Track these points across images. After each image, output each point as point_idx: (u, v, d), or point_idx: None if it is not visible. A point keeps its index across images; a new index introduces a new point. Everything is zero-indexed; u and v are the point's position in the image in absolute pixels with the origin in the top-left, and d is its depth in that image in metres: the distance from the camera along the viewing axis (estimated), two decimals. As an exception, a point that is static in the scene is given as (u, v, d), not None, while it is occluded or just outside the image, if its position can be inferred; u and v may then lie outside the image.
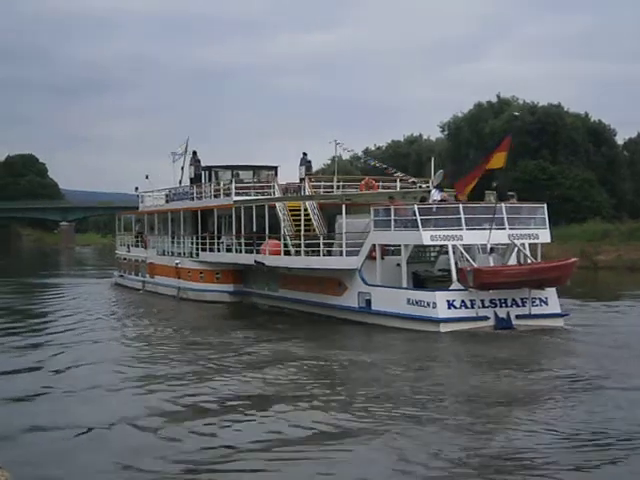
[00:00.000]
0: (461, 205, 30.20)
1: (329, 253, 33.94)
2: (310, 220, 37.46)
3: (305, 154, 43.71)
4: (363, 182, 41.44)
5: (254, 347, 25.94)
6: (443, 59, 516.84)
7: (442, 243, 30.57)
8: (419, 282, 31.39)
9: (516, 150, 69.94)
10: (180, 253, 46.34)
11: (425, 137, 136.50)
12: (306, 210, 37.64)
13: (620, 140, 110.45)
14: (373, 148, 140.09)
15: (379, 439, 14.85)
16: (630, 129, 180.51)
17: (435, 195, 32.24)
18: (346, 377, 21.32)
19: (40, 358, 24.02)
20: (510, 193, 33.54)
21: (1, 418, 16.60)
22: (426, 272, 32.56)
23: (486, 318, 28.64)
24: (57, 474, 13.12)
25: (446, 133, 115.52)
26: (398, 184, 41.88)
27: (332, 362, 23.03)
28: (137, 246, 54.07)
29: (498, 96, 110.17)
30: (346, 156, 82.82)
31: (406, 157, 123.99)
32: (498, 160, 29.88)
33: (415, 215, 29.54)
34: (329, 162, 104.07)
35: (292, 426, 15.79)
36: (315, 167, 50.91)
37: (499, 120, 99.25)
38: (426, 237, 29.54)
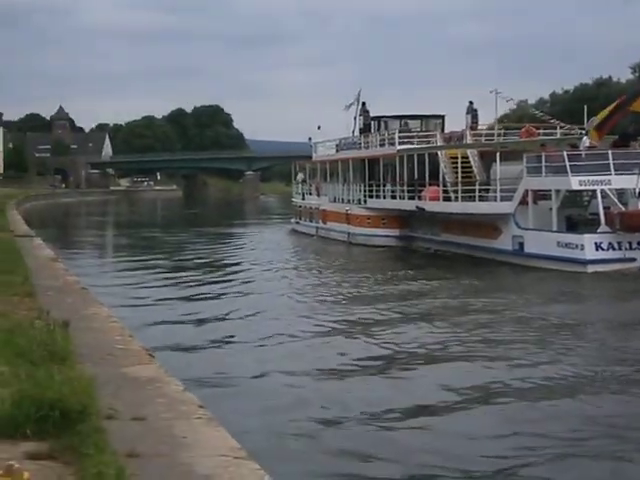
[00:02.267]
0: (610, 151, 31.75)
1: (485, 199, 36.18)
2: (469, 167, 39.38)
3: (471, 102, 45.50)
4: (524, 129, 42.93)
5: (419, 291, 27.87)
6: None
7: (590, 188, 32.25)
8: (572, 225, 33.15)
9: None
10: (350, 200, 49.16)
11: (615, 79, 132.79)
12: (466, 158, 39.60)
13: None
14: (560, 92, 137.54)
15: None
16: None
17: (586, 142, 33.79)
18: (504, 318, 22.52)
19: (222, 305, 26.19)
20: None
21: (194, 365, 16.76)
22: (579, 216, 34.17)
23: (633, 260, 30.14)
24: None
25: (637, 75, 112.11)
26: (558, 131, 43.27)
27: (492, 302, 24.96)
28: (310, 194, 57.41)
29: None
30: (505, 106, 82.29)
31: (593, 100, 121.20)
32: None
33: (565, 161, 31.32)
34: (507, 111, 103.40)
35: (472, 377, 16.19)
36: (491, 115, 51.88)
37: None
38: (575, 182, 31.42)
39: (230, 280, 31.54)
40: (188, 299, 26.60)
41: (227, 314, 23.21)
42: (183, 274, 33.37)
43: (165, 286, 29.78)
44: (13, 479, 5.17)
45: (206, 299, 26.77)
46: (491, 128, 45.75)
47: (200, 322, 22.07)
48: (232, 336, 20.15)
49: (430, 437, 12.22)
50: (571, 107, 48.95)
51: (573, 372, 15.92)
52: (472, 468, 10.82)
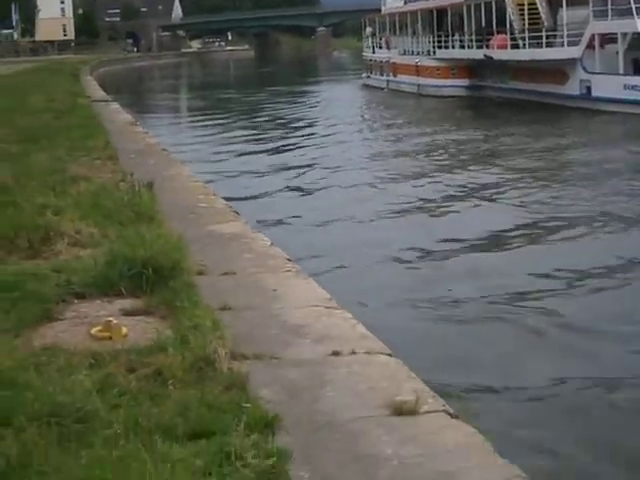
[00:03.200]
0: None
1: (552, 45, 35.97)
2: (536, 13, 38.53)
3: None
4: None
5: (489, 137, 28.17)
6: None
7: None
8: (639, 68, 32.74)
9: None
10: (419, 52, 48.75)
11: None
12: (533, 4, 38.67)
13: None
14: None
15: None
16: None
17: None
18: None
19: (299, 158, 26.60)
20: None
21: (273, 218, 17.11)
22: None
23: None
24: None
25: None
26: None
27: (560, 144, 25.35)
28: (380, 48, 57.04)
29: None
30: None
31: None
32: None
33: (631, 4, 30.98)
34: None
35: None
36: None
37: None
38: None
39: (304, 136, 31.67)
40: (266, 155, 26.84)
41: (303, 167, 23.48)
42: (259, 132, 33.53)
43: (242, 144, 30.01)
44: (112, 334, 5.31)
45: (283, 153, 27.04)
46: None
47: (277, 174, 22.45)
48: (308, 187, 20.40)
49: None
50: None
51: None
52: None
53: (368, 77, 58.57)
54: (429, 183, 20.81)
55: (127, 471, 3.36)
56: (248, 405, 4.14)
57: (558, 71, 35.37)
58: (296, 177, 22.42)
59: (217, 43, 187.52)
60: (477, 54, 41.79)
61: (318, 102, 48.90)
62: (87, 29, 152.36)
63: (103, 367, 4.69)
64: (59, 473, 3.46)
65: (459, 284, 12.17)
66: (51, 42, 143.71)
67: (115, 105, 28.10)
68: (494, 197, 18.80)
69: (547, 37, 36.32)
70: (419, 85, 47.04)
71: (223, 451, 3.68)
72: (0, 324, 5.48)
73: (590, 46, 33.74)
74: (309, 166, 24.01)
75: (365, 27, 64.15)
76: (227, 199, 11.10)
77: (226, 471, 3.56)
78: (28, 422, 3.88)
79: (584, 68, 33.94)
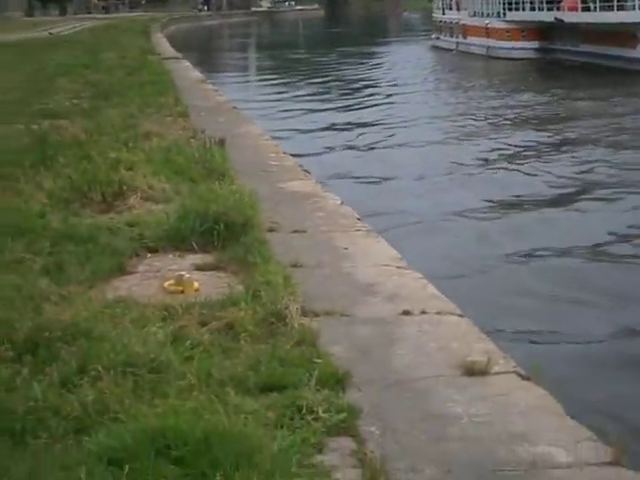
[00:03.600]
0: None
1: (624, 8, 35.46)
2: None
3: None
4: None
5: (558, 100, 27.83)
6: None
7: None
8: None
9: None
10: (489, 14, 48.14)
11: None
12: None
13: None
14: None
15: None
16: None
17: None
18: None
19: (368, 115, 26.78)
20: None
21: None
22: None
23: None
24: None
25: None
26: None
27: (630, 109, 25.00)
28: (450, 9, 56.56)
29: None
30: None
31: None
32: None
33: None
34: None
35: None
36: None
37: None
38: None
39: (371, 95, 31.71)
40: (333, 113, 26.93)
41: (369, 126, 23.61)
42: (326, 92, 33.53)
43: (309, 102, 30.10)
44: (184, 288, 5.37)
45: (350, 112, 27.09)
46: None
47: (343, 133, 22.57)
48: (374, 145, 20.46)
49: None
50: None
51: None
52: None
53: (437, 39, 58.13)
54: (495, 143, 20.75)
55: (200, 421, 3.41)
56: (319, 361, 4.17)
57: (629, 34, 34.85)
58: (362, 135, 22.53)
59: (287, 2, 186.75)
60: (548, 16, 41.22)
61: (386, 63, 48.66)
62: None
63: (176, 320, 4.75)
64: (134, 421, 3.53)
65: (530, 239, 12.10)
66: (122, 0, 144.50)
67: (185, 63, 28.19)
68: (560, 157, 18.67)
69: (618, 0, 35.61)
70: (488, 47, 46.58)
71: (294, 405, 3.72)
72: (75, 276, 5.57)
73: None
74: (375, 125, 24.07)
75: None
76: (294, 156, 11.10)
77: (297, 424, 3.60)
78: (104, 371, 3.95)
79: (655, 32, 33.57)
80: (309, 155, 17.74)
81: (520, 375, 4.20)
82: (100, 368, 3.97)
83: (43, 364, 4.15)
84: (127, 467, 3.20)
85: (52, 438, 3.51)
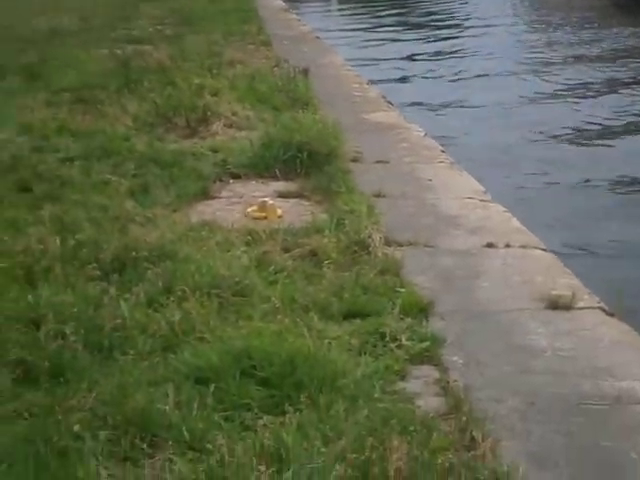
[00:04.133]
0: None
1: None
2: None
3: None
4: None
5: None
6: None
7: None
8: None
9: None
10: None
11: None
12: None
13: None
14: None
15: None
16: None
17: None
18: None
19: (448, 47, 26.27)
20: None
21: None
22: None
23: None
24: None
25: None
26: None
27: None
28: None
29: None
30: None
31: None
32: None
33: None
34: None
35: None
36: None
37: None
38: None
39: (455, 26, 31.09)
40: (416, 43, 26.50)
41: (452, 55, 23.12)
42: (409, 21, 33.06)
43: (391, 33, 29.70)
44: (267, 214, 5.40)
45: (431, 42, 26.67)
46: None
47: (425, 63, 22.06)
48: (456, 76, 20.09)
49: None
50: None
51: None
52: None
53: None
54: (576, 73, 20.24)
55: (285, 344, 3.44)
56: (403, 290, 4.17)
57: None
58: (441, 66, 22.14)
59: None
60: None
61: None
62: None
63: (259, 245, 4.78)
64: (220, 341, 3.57)
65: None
66: None
67: (267, -9, 27.96)
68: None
69: None
70: None
71: (378, 332, 3.74)
72: (160, 198, 5.63)
73: None
74: (454, 57, 23.62)
75: None
76: (375, 84, 10.98)
77: (380, 351, 3.61)
78: (190, 292, 4.00)
79: None
80: (389, 82, 17.53)
81: (605, 311, 4.15)
82: (186, 289, 4.02)
83: (130, 283, 4.22)
84: (213, 386, 3.25)
85: (139, 355, 3.58)
